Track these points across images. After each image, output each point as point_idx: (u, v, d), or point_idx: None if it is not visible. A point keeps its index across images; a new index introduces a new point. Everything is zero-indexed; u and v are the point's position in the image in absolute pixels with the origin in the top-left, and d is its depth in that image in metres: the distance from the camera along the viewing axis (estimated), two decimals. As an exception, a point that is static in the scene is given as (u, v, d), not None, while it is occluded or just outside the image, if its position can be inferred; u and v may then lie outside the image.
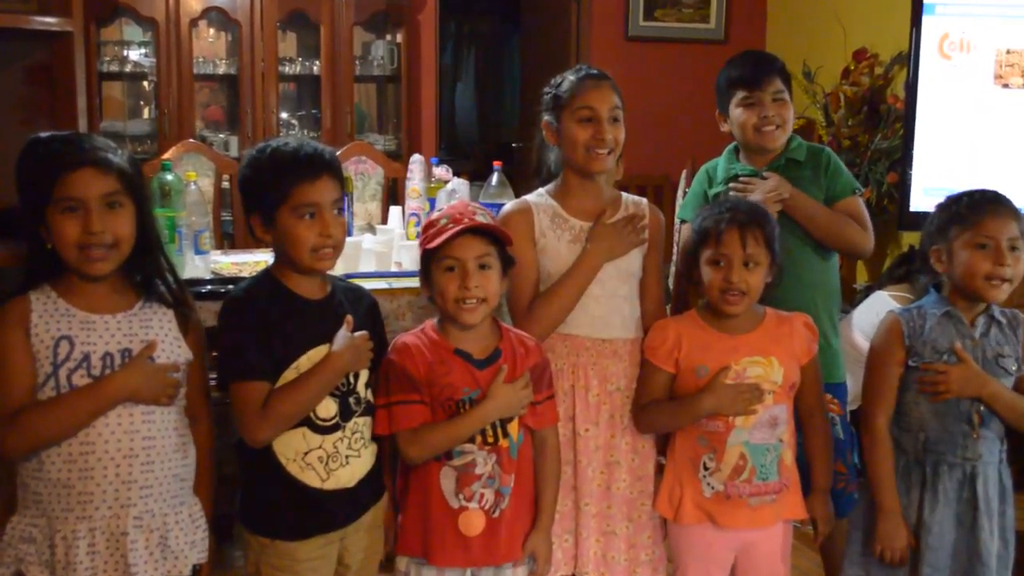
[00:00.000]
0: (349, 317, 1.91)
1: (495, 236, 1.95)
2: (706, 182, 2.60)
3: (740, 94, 2.46)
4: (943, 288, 2.15)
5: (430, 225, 1.97)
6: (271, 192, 1.86)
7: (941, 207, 2.16)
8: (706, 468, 2.12)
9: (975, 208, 2.07)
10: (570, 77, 2.24)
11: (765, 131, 2.45)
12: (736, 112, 2.47)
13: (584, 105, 2.19)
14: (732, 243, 2.07)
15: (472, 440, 1.93)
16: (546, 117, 2.27)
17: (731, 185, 2.48)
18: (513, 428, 1.98)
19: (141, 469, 1.75)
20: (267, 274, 1.94)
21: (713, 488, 2.12)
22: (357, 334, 1.90)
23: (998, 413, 2.08)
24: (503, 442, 1.96)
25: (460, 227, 1.90)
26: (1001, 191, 2.13)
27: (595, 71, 2.25)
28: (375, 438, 1.99)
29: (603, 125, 2.18)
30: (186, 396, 1.86)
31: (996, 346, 2.10)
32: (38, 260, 1.73)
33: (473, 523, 1.94)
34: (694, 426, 2.13)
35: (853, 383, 2.44)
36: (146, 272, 1.81)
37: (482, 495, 1.94)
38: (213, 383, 1.98)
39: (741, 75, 2.47)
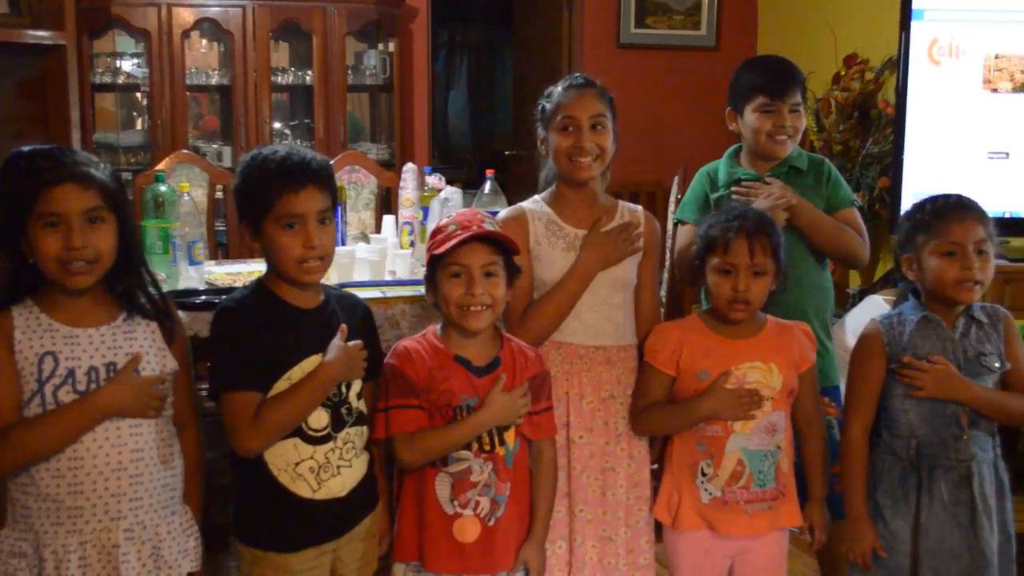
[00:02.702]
0: (343, 326, 1.91)
1: (502, 245, 1.96)
2: (707, 184, 2.61)
3: (760, 100, 2.47)
4: (921, 293, 2.16)
5: (438, 231, 1.97)
6: (256, 201, 1.86)
7: (907, 215, 2.17)
8: (704, 474, 2.13)
9: (938, 215, 2.08)
10: (557, 88, 2.26)
11: (778, 140, 2.47)
12: (751, 116, 2.49)
13: (564, 115, 2.21)
14: (740, 252, 2.08)
15: (468, 447, 1.94)
16: (538, 129, 2.29)
17: (734, 189, 2.49)
18: (509, 437, 1.98)
19: (130, 482, 1.76)
20: (259, 284, 1.94)
21: (711, 494, 2.12)
22: (350, 343, 1.91)
23: (983, 414, 2.09)
24: (499, 450, 1.96)
25: (468, 234, 1.91)
26: (988, 196, 2.14)
27: (580, 80, 2.26)
28: (368, 448, 1.99)
29: (583, 133, 2.19)
30: (173, 405, 1.86)
31: (977, 345, 2.10)
32: (20, 274, 1.73)
33: (468, 530, 1.94)
34: (692, 431, 2.14)
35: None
36: (128, 285, 1.81)
37: (478, 503, 1.95)
38: (204, 393, 1.98)
39: (765, 82, 2.48)
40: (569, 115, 2.21)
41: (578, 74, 2.31)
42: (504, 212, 2.34)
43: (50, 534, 1.72)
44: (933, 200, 2.13)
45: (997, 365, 2.10)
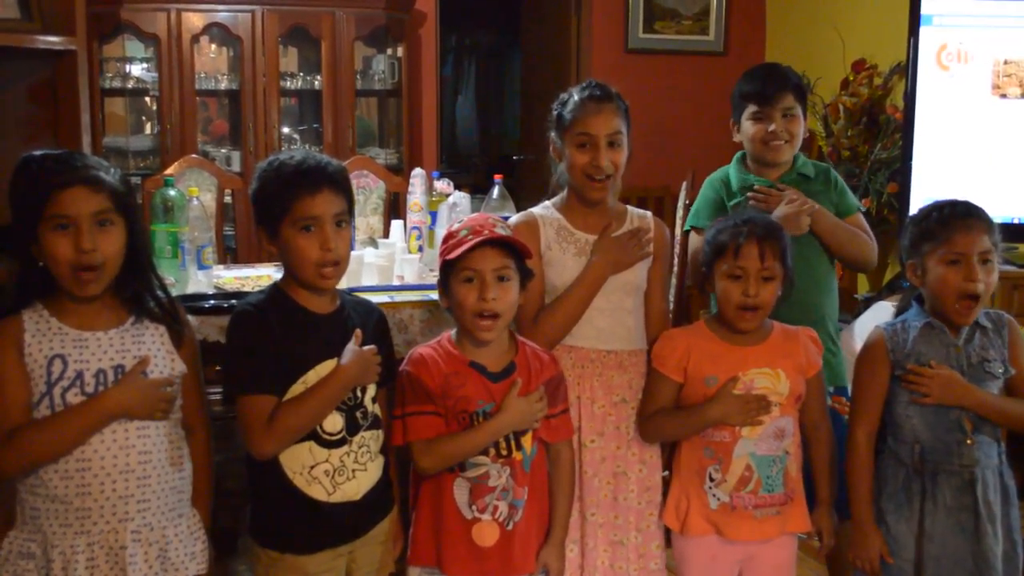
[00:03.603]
0: (358, 331, 1.92)
1: (514, 248, 1.97)
2: (723, 190, 2.61)
3: (751, 107, 2.52)
4: (925, 300, 2.15)
5: (450, 236, 1.97)
6: (273, 205, 1.88)
7: (913, 221, 2.17)
8: (712, 479, 2.13)
9: (944, 224, 2.08)
10: (574, 97, 2.24)
11: (772, 145, 2.50)
12: (746, 124, 2.54)
13: (582, 131, 2.20)
14: (751, 257, 2.08)
15: (485, 452, 1.94)
16: (552, 134, 2.29)
17: (750, 195, 2.51)
18: (527, 441, 1.98)
19: (137, 484, 1.77)
20: (276, 288, 1.95)
21: (719, 499, 2.12)
22: (365, 348, 1.91)
23: (989, 420, 2.09)
24: (517, 455, 1.97)
25: (480, 238, 1.91)
26: (996, 201, 2.13)
27: (599, 92, 2.23)
28: (383, 451, 1.99)
29: (600, 152, 2.19)
30: (182, 409, 1.87)
31: (981, 351, 2.10)
32: (31, 278, 1.74)
33: (486, 535, 1.95)
34: (700, 437, 2.14)
35: (854, 393, 2.46)
36: (136, 288, 1.82)
37: (496, 507, 1.95)
38: (216, 397, 1.99)
39: (753, 90, 2.52)
40: (586, 132, 2.19)
41: (596, 83, 2.27)
42: (515, 217, 2.34)
43: (58, 535, 1.72)
44: (940, 207, 2.12)
45: (1001, 371, 2.10)
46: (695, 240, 2.61)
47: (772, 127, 2.48)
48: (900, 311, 2.25)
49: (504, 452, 1.95)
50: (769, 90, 2.49)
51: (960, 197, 2.16)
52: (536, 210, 2.32)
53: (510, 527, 1.96)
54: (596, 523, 2.22)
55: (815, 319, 2.30)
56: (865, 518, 2.13)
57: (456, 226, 1.99)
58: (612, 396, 2.24)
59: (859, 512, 2.14)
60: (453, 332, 2.02)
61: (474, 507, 1.94)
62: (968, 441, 2.07)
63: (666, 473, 2.28)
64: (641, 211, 2.36)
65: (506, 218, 2.28)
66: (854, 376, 2.20)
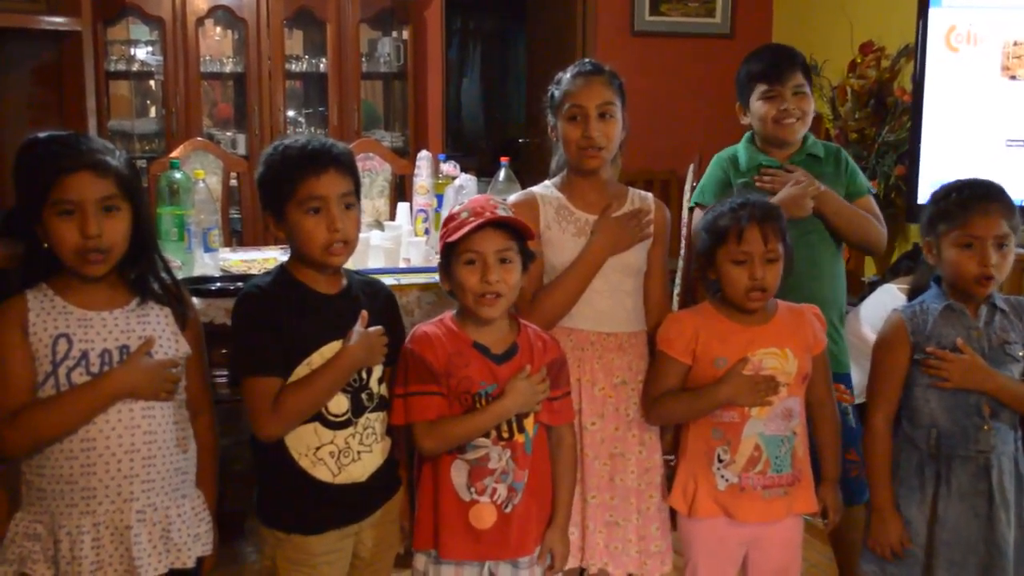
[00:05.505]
0: (364, 313, 1.91)
1: (516, 230, 1.96)
2: (730, 170, 2.60)
3: (761, 87, 2.50)
4: (942, 279, 2.14)
5: (451, 218, 1.96)
6: (279, 188, 1.87)
7: (934, 199, 2.15)
8: (720, 460, 2.12)
9: (963, 206, 2.05)
10: (565, 75, 2.25)
11: (785, 123, 2.49)
12: (757, 105, 2.52)
13: (572, 104, 2.20)
14: (754, 240, 2.07)
15: (487, 435, 1.93)
16: (548, 115, 2.29)
17: (756, 178, 2.50)
18: (529, 423, 1.98)
19: (142, 464, 1.77)
20: (282, 269, 1.94)
21: (727, 480, 2.12)
22: (371, 329, 1.90)
23: (1007, 405, 2.08)
24: (518, 437, 1.96)
25: (481, 220, 1.90)
26: (1006, 184, 2.12)
27: (589, 66, 2.25)
28: (389, 432, 1.99)
29: (591, 123, 2.18)
30: (186, 391, 1.87)
31: (1001, 333, 2.09)
32: (35, 259, 1.74)
33: (484, 516, 1.94)
34: (708, 418, 2.13)
35: (860, 376, 2.46)
36: (141, 270, 1.82)
37: (494, 490, 1.94)
38: (222, 380, 1.99)
39: (762, 69, 2.51)
40: (576, 104, 2.20)
41: (587, 60, 2.29)
42: (515, 196, 2.33)
43: (64, 515, 1.73)
44: (960, 187, 2.10)
45: (1022, 354, 2.09)
46: (698, 217, 2.61)
47: (785, 105, 2.47)
48: (914, 288, 2.23)
49: (505, 435, 1.95)
50: (779, 68, 2.48)
51: (978, 178, 2.13)
52: (536, 189, 2.32)
53: (508, 509, 1.96)
54: (595, 505, 2.22)
55: (820, 306, 2.29)
56: (885, 503, 2.12)
57: (457, 208, 1.99)
58: (612, 378, 2.23)
59: (879, 497, 2.13)
60: (455, 312, 2.02)
61: (472, 489, 1.94)
62: (985, 427, 2.06)
63: (669, 458, 2.28)
64: (642, 192, 2.35)
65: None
66: (872, 360, 2.18)
